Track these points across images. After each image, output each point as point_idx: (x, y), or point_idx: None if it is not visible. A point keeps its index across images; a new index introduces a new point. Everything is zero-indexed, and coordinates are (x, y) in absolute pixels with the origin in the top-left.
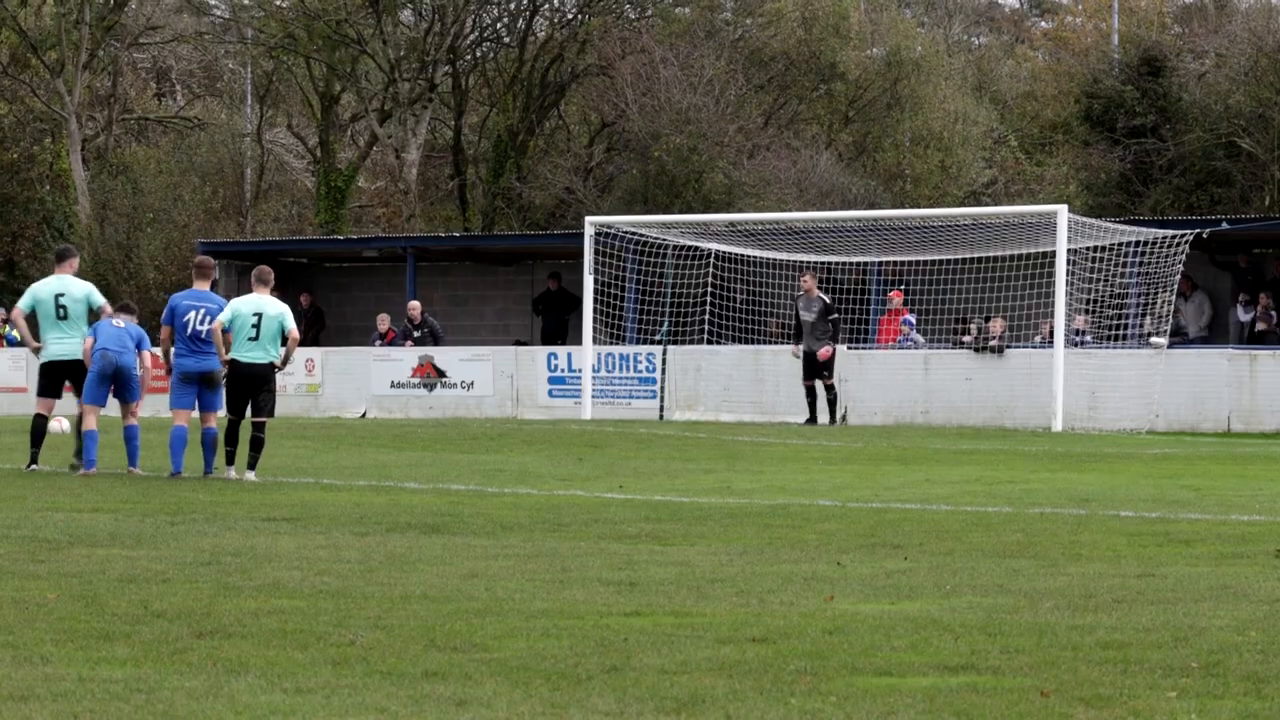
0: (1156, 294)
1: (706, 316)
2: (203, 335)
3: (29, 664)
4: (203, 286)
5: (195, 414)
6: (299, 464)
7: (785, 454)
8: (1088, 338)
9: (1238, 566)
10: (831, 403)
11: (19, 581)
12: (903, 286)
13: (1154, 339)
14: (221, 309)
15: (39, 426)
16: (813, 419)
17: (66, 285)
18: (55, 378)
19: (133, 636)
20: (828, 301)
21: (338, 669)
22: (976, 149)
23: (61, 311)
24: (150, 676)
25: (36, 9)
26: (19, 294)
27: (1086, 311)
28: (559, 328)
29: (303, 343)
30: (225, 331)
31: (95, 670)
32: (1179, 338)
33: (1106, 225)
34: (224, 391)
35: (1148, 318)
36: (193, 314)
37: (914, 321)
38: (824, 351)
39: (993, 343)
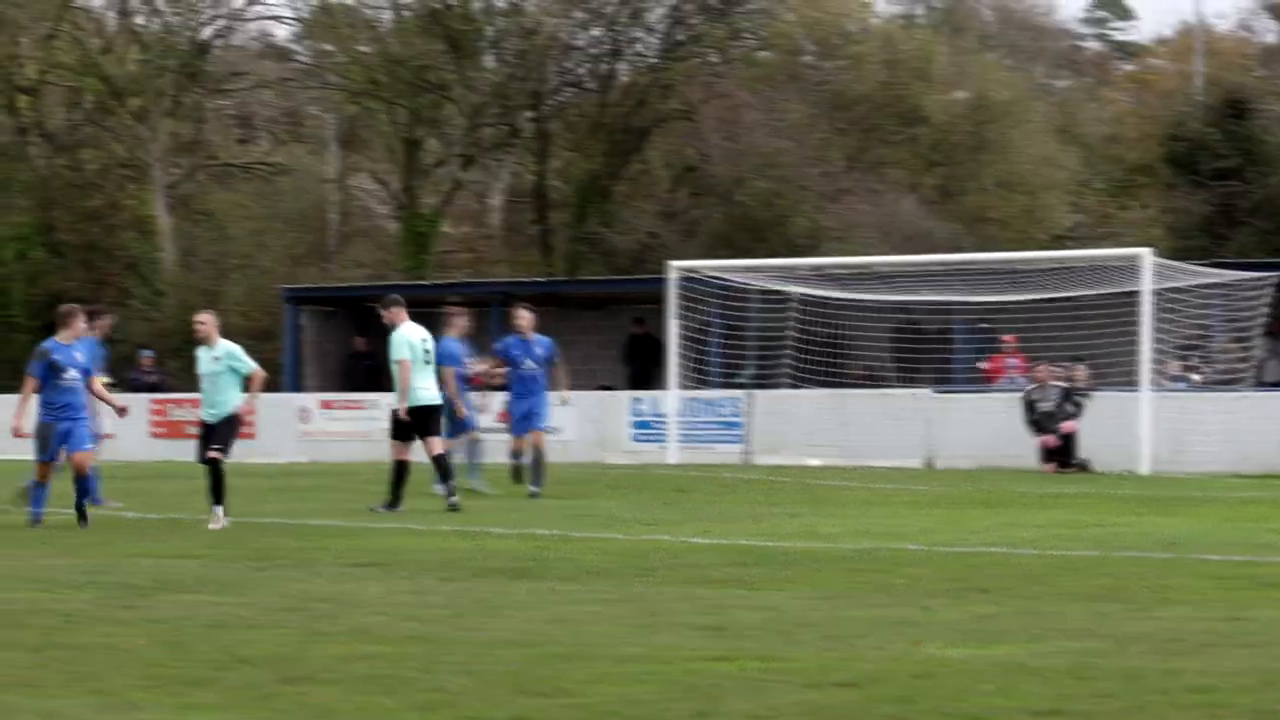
0: (1242, 337)
1: (790, 361)
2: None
3: (117, 710)
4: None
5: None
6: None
7: (871, 498)
8: (1195, 376)
9: None
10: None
11: (107, 627)
12: (992, 329)
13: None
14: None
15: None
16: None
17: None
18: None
19: (220, 682)
20: (1065, 386)
21: (425, 715)
22: (1061, 192)
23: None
24: None
25: (121, 56)
26: (108, 340)
27: (1183, 357)
28: (644, 373)
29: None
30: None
31: (183, 716)
32: (1264, 383)
33: (1190, 268)
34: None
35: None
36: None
37: (1018, 364)
38: (1067, 426)
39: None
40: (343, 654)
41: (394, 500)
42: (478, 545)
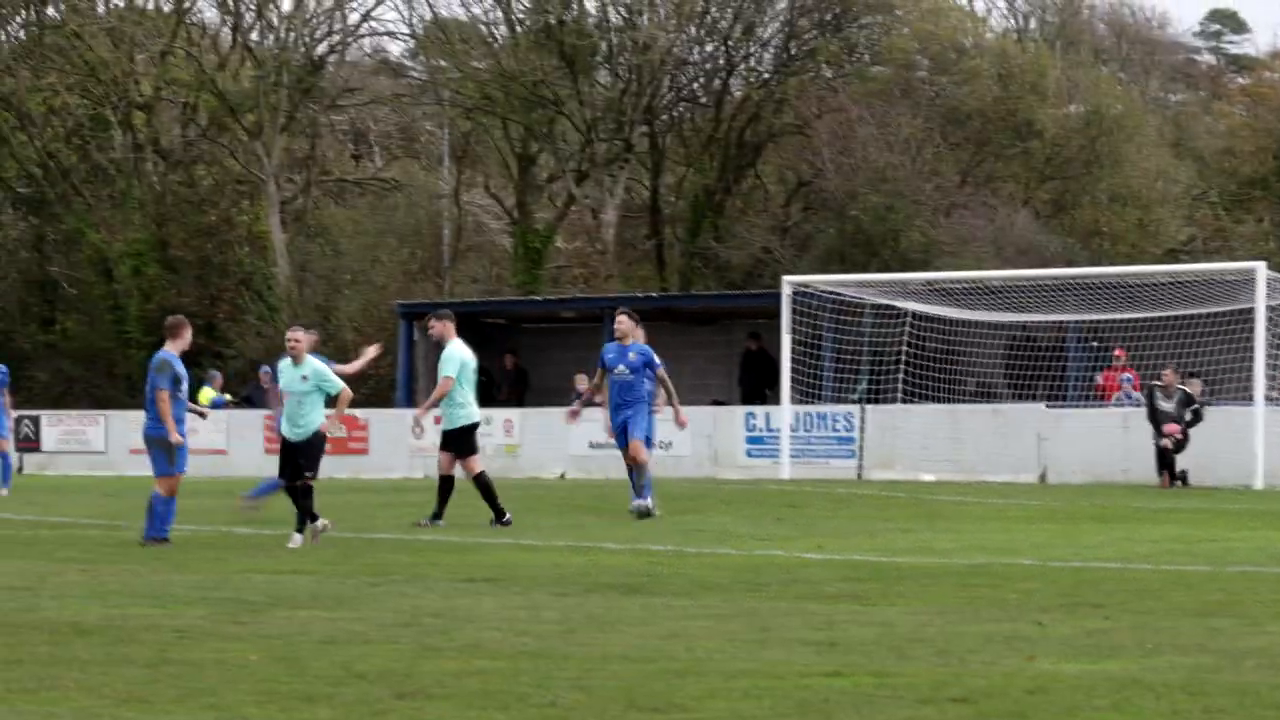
0: None
1: (903, 375)
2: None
3: None
4: (168, 347)
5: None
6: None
7: (984, 513)
8: None
9: None
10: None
11: (221, 643)
12: (1104, 343)
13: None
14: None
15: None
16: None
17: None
18: None
19: (334, 698)
20: (1188, 391)
21: None
22: (1175, 206)
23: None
24: None
25: (235, 72)
26: (219, 356)
27: None
28: (758, 388)
29: (506, 403)
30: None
31: None
32: None
33: None
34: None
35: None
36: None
37: (1133, 379)
38: (1170, 428)
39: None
40: (456, 669)
41: (437, 514)
42: (591, 560)
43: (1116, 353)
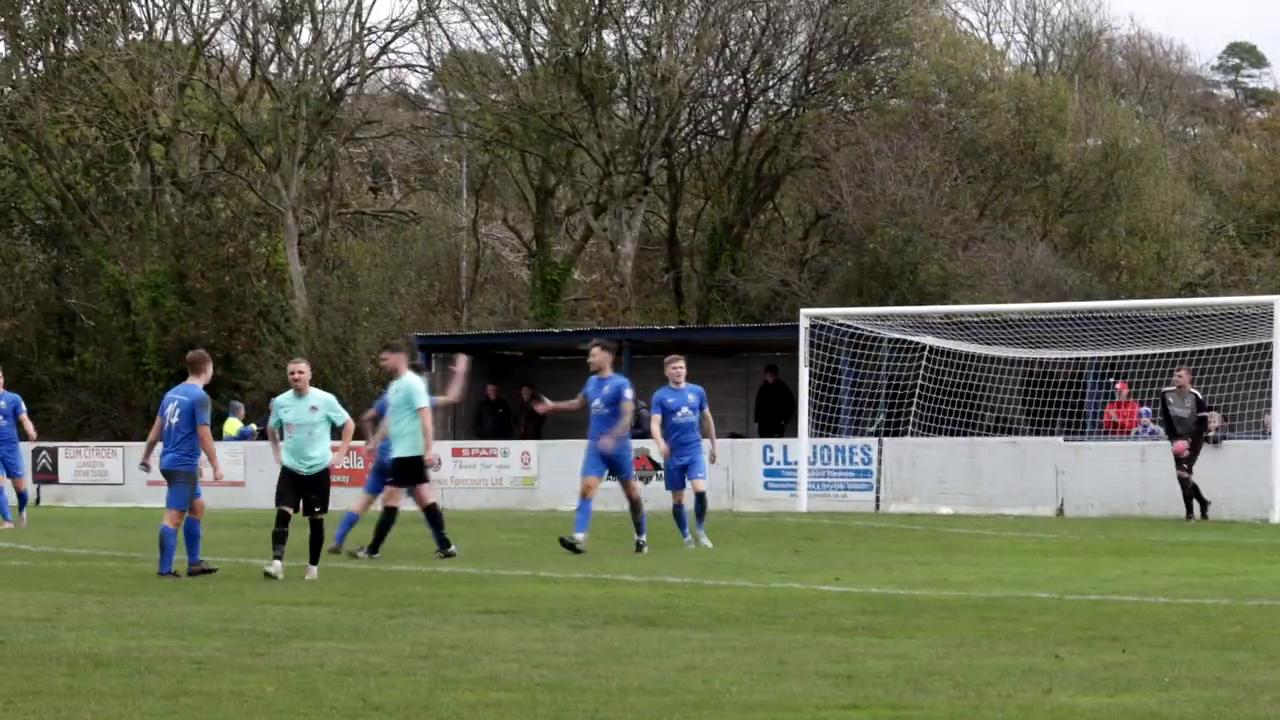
0: None
1: (920, 408)
2: (170, 429)
3: None
4: (193, 380)
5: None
6: (515, 556)
7: (1001, 546)
8: None
9: None
10: (1186, 495)
11: (238, 675)
12: (1120, 377)
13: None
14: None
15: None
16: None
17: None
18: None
19: None
20: (1200, 397)
21: None
22: (1193, 240)
23: None
24: None
25: (254, 105)
26: (236, 389)
27: None
28: (775, 421)
29: (523, 435)
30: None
31: None
32: None
33: None
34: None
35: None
36: (169, 408)
37: (1150, 411)
38: (1178, 447)
39: (1210, 434)
40: (473, 701)
41: (375, 545)
42: (608, 593)
43: (1119, 386)
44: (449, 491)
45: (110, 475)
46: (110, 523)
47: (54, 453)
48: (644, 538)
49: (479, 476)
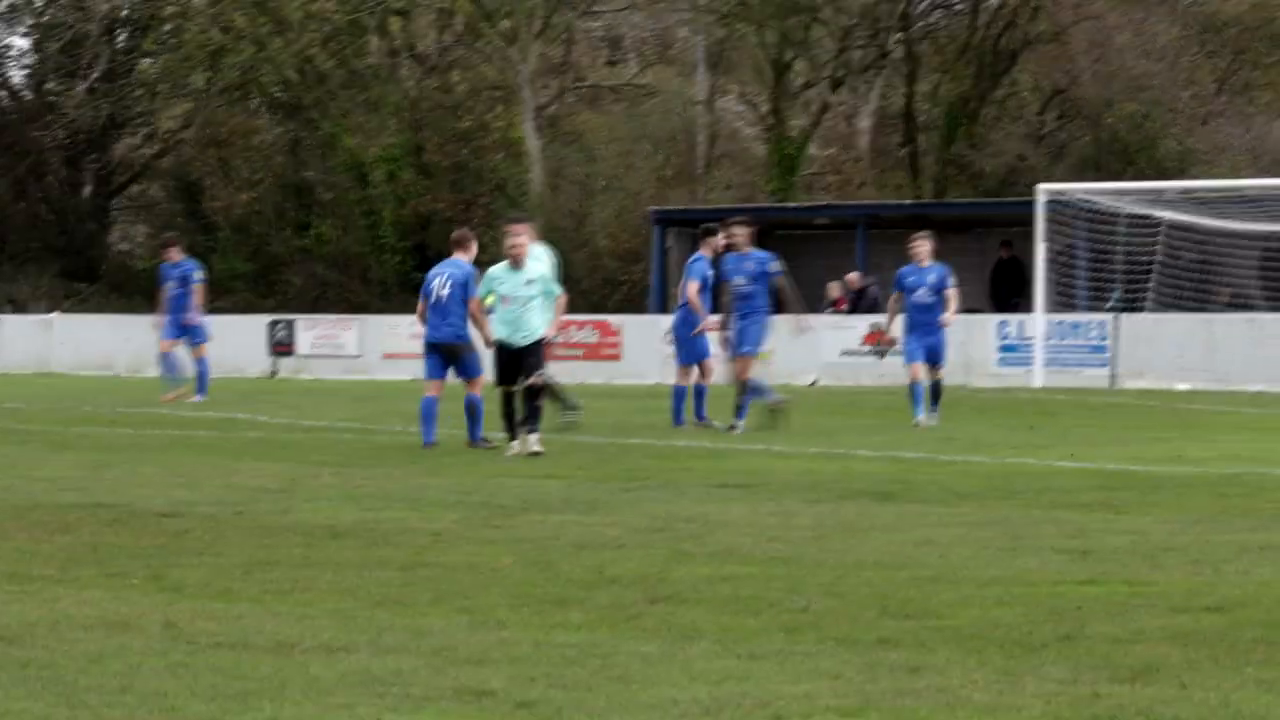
0: None
1: (1158, 284)
2: (443, 302)
3: (485, 628)
4: (460, 257)
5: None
6: (751, 432)
7: (1240, 422)
8: None
9: None
10: None
11: (475, 547)
12: None
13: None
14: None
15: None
16: None
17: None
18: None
19: (587, 602)
20: None
21: (790, 635)
22: None
23: None
24: (605, 642)
25: None
26: (476, 263)
27: None
28: (1010, 296)
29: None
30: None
31: (550, 635)
32: None
33: None
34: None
35: None
36: (436, 281)
37: None
38: None
39: None
40: (708, 575)
41: (569, 406)
42: (843, 468)
43: None
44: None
45: (346, 348)
46: (346, 395)
47: (291, 325)
48: (743, 421)
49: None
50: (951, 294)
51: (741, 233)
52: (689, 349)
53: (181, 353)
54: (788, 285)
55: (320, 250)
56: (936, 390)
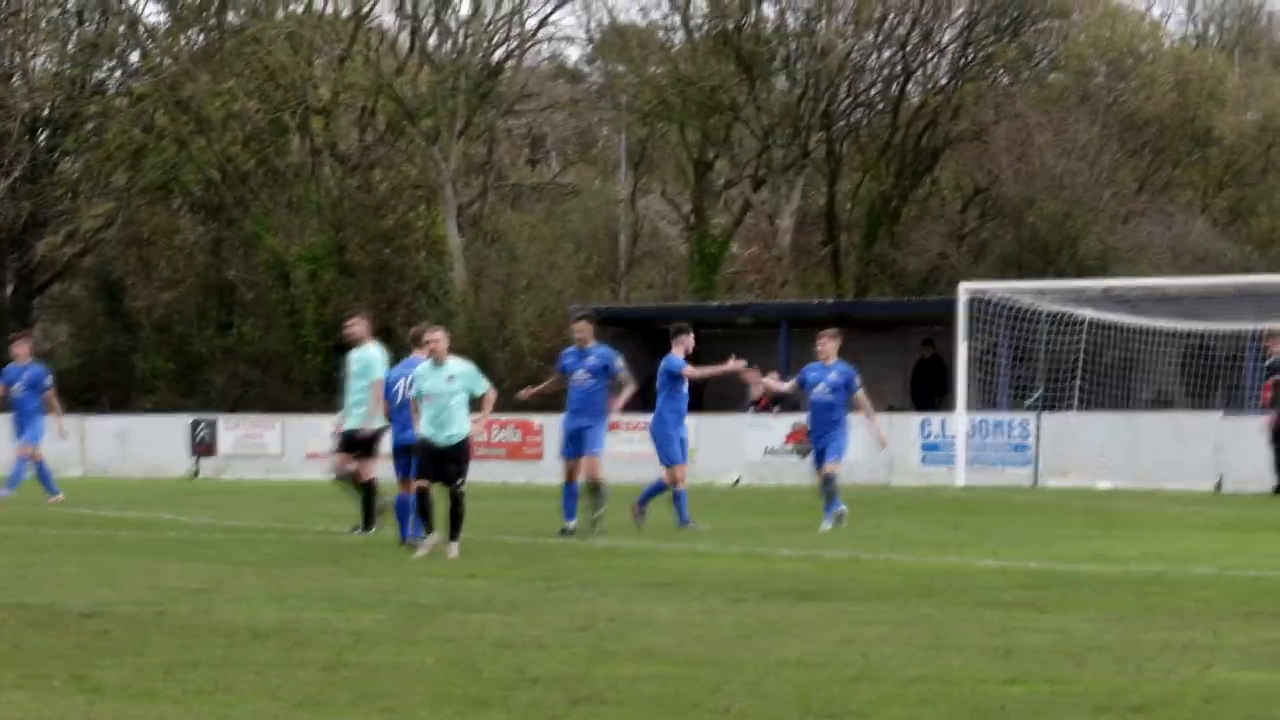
0: None
1: (1079, 383)
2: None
3: None
4: (420, 354)
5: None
6: (674, 530)
7: (1161, 520)
8: None
9: None
10: None
11: (396, 647)
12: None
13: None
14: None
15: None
16: None
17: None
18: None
19: (509, 702)
20: None
21: None
22: None
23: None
24: None
25: (413, 77)
26: (395, 362)
27: None
28: (932, 395)
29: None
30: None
31: None
32: None
33: None
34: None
35: None
36: (401, 383)
37: None
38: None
39: None
40: (631, 674)
41: (368, 521)
42: (766, 567)
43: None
44: (607, 465)
45: (269, 447)
46: (268, 495)
47: (213, 425)
48: (573, 523)
49: (636, 450)
50: (861, 396)
51: (583, 327)
52: (672, 448)
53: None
54: (631, 381)
55: (242, 350)
56: (829, 489)
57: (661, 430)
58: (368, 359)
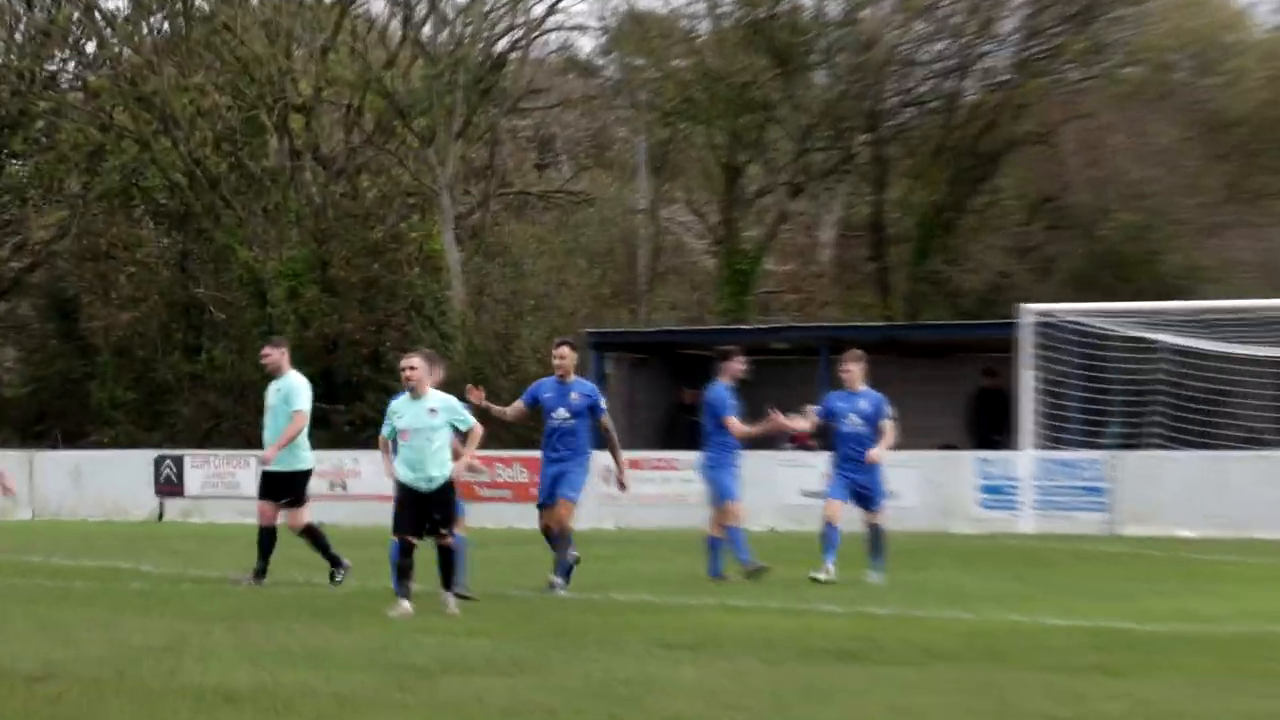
0: None
1: (1161, 417)
2: None
3: None
4: None
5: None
6: (701, 583)
7: (1252, 574)
8: None
9: None
10: None
11: (385, 714)
12: None
13: None
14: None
15: None
16: None
17: None
18: None
19: None
20: None
21: None
22: None
23: None
24: None
25: (405, 71)
26: (386, 390)
27: None
28: (993, 430)
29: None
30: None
31: None
32: None
33: None
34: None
35: None
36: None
37: None
38: None
39: None
40: None
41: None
42: (804, 624)
43: None
44: (623, 508)
45: (241, 487)
46: (241, 540)
47: (179, 461)
48: (560, 579)
49: (658, 491)
50: (888, 425)
51: (566, 354)
52: (728, 483)
53: None
54: (611, 426)
55: (213, 377)
56: (876, 538)
57: (714, 468)
58: (288, 389)
